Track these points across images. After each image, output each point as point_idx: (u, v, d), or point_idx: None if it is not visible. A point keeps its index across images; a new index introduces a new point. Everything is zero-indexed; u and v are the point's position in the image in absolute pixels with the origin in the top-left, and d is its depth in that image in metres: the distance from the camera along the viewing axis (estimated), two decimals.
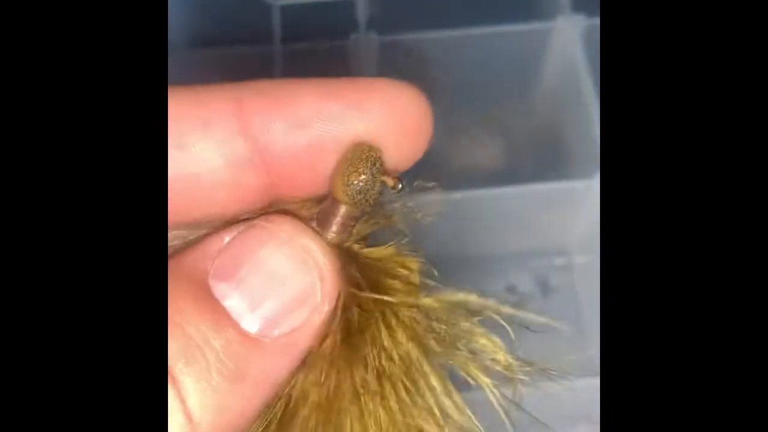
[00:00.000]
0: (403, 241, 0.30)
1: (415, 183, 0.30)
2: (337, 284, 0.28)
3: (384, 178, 0.27)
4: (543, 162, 0.87)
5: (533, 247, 0.85)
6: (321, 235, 0.28)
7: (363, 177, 0.27)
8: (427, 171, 0.31)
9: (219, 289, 0.26)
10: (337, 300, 0.28)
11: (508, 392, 0.29)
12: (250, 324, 0.26)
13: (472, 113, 0.88)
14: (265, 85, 0.28)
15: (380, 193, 0.28)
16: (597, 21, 0.78)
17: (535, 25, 0.81)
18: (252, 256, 0.27)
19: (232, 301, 0.26)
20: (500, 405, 0.29)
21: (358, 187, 0.27)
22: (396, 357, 0.28)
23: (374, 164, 0.27)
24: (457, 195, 0.70)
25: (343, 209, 0.28)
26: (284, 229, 0.28)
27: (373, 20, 0.79)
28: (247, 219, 0.28)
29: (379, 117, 0.28)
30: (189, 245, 0.28)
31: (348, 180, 0.28)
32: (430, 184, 0.30)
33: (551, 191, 0.75)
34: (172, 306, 0.25)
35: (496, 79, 0.84)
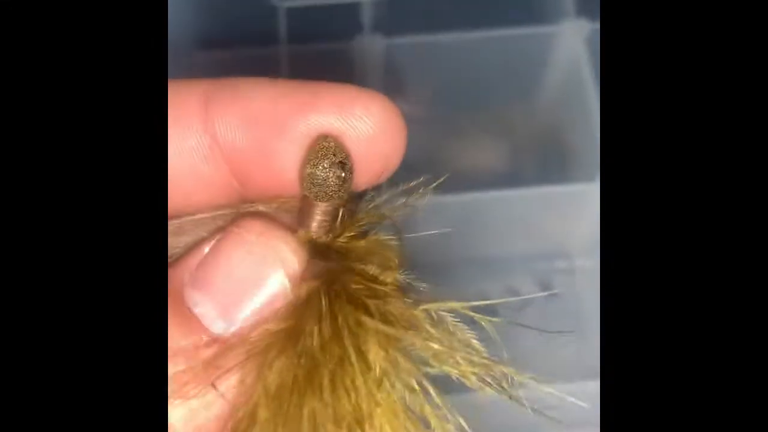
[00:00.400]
0: (387, 236, 0.30)
1: (414, 183, 0.30)
2: (307, 282, 0.28)
3: (334, 169, 0.27)
4: (546, 165, 0.87)
5: (536, 250, 0.85)
6: (294, 234, 0.28)
7: (316, 170, 0.27)
8: (430, 172, 0.31)
9: (192, 297, 0.27)
10: (307, 296, 0.28)
11: (499, 395, 0.29)
12: (222, 328, 0.27)
13: (476, 116, 0.88)
14: (228, 83, 0.29)
15: (340, 186, 0.28)
16: None
17: (539, 29, 0.81)
18: (222, 262, 0.28)
19: (204, 308, 0.27)
20: (486, 406, 0.29)
21: (312, 179, 0.28)
22: (361, 350, 0.28)
23: (326, 156, 0.27)
24: (460, 197, 0.70)
25: (315, 205, 0.28)
26: (252, 231, 0.28)
27: (378, 23, 0.79)
28: (224, 227, 0.29)
29: (328, 120, 0.28)
30: (176, 259, 0.29)
31: (303, 173, 0.28)
32: (432, 185, 0.31)
33: (554, 194, 0.75)
34: None
35: (500, 82, 0.85)
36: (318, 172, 0.28)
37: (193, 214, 0.31)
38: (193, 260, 0.28)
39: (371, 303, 0.28)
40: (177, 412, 0.26)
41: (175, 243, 0.31)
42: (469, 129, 0.88)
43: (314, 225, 0.29)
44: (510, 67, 0.83)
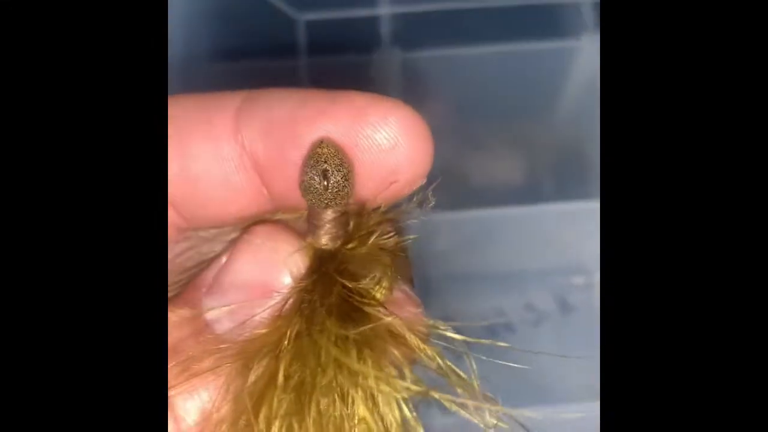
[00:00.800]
0: (395, 246, 0.30)
1: (433, 199, 0.29)
2: (307, 287, 0.28)
3: (320, 177, 0.27)
4: (564, 180, 0.87)
5: (553, 265, 0.84)
6: (302, 240, 0.29)
7: (305, 177, 0.27)
8: (448, 187, 0.31)
9: (207, 305, 0.28)
10: (303, 301, 0.28)
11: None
12: (226, 329, 0.28)
13: (495, 130, 0.88)
14: (257, 94, 0.29)
15: (334, 194, 0.27)
16: None
17: (558, 43, 0.81)
18: (232, 268, 0.28)
19: (216, 315, 0.28)
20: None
21: (305, 187, 0.27)
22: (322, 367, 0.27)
23: (316, 163, 0.27)
24: (478, 212, 0.70)
25: (317, 212, 0.28)
26: (259, 236, 0.28)
27: (397, 36, 0.79)
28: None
29: (340, 129, 0.27)
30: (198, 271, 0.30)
31: (299, 179, 0.27)
32: (430, 189, 0.30)
33: (571, 209, 0.75)
34: (171, 330, 0.27)
35: (519, 96, 0.85)
36: (306, 180, 0.27)
37: (228, 224, 0.32)
38: (214, 269, 0.29)
39: (346, 317, 0.28)
40: (193, 416, 0.26)
41: (208, 251, 0.31)
42: (487, 143, 0.87)
43: (321, 233, 0.28)
44: (529, 81, 0.83)
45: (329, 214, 0.28)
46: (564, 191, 0.83)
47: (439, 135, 0.30)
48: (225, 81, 0.77)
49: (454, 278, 0.73)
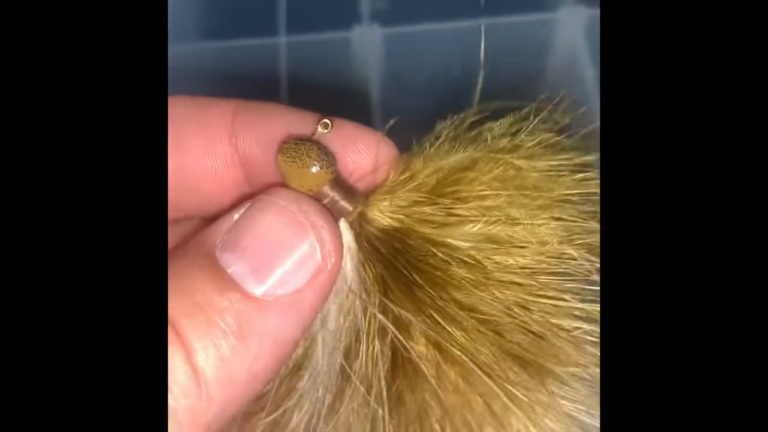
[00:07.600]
0: None
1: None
2: (338, 244, 0.30)
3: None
4: None
5: None
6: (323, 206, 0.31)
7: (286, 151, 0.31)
8: None
9: (224, 258, 0.29)
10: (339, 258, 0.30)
11: None
12: (254, 287, 0.28)
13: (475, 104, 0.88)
14: (252, 106, 0.34)
15: (309, 153, 0.30)
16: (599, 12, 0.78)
17: (537, 16, 0.81)
18: (253, 225, 0.30)
19: (236, 268, 0.28)
20: None
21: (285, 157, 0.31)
22: None
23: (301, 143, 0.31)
24: None
25: (322, 186, 0.31)
26: (283, 197, 0.30)
27: (377, 12, 0.79)
28: (252, 196, 0.31)
29: (337, 151, 0.32)
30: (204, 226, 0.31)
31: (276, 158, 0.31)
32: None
33: None
34: (181, 276, 0.28)
35: (499, 70, 0.84)
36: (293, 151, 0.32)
37: (208, 214, 0.36)
38: (224, 225, 0.30)
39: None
40: (209, 357, 0.27)
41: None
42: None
43: (331, 200, 0.32)
44: (509, 54, 0.83)
45: (323, 181, 0.31)
46: None
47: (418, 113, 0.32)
48: (210, 59, 0.77)
49: None
